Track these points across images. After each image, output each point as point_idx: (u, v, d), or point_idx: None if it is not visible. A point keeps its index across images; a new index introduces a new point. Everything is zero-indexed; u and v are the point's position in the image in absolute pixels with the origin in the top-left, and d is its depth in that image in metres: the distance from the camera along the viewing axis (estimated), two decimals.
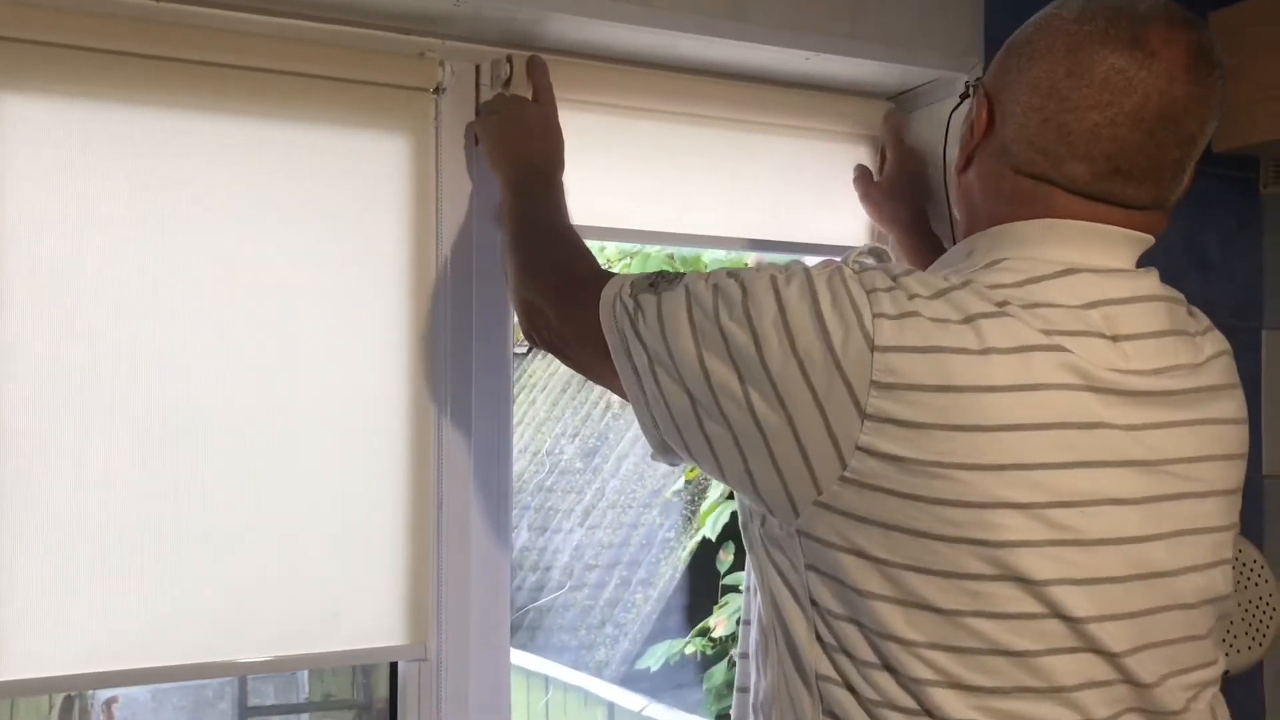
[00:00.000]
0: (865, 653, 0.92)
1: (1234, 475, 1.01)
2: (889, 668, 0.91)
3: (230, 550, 1.35)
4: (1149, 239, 0.99)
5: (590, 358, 1.11)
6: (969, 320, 0.89)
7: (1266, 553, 1.83)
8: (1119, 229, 0.96)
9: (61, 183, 1.28)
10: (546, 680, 4.41)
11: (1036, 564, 0.87)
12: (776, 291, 0.93)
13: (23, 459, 1.26)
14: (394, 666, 1.50)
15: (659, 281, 1.02)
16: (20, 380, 1.26)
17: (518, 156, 1.36)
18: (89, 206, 1.29)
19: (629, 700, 4.06)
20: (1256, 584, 1.73)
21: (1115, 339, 0.93)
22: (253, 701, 4.25)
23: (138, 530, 1.30)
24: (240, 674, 1.43)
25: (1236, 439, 1.01)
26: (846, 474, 0.88)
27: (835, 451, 0.88)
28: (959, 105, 1.08)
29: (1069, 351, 0.90)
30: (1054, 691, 0.89)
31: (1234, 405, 1.02)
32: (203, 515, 1.33)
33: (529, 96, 1.45)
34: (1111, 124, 0.92)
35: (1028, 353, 0.88)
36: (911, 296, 0.90)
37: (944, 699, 0.89)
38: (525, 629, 4.89)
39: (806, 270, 0.96)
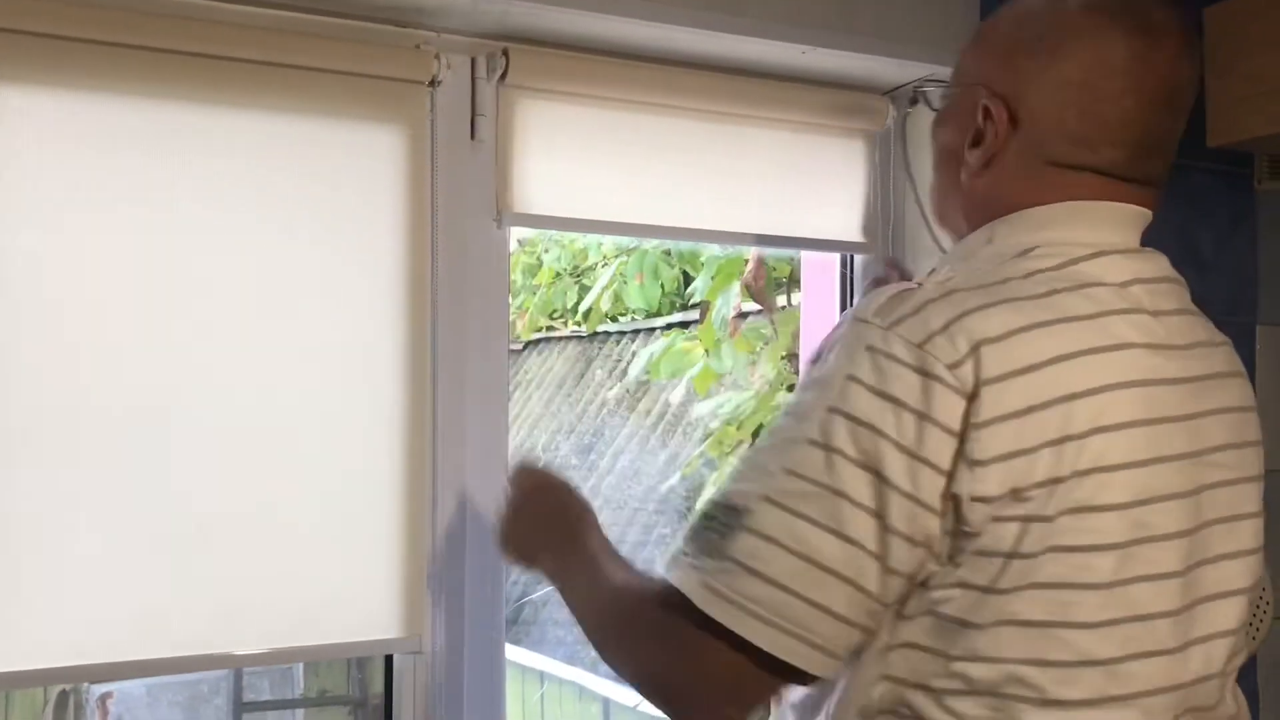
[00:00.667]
0: (944, 681, 0.87)
1: (1258, 462, 1.02)
2: (973, 691, 0.87)
3: (225, 543, 1.35)
4: (1150, 214, 1.00)
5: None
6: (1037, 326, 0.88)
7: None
8: (1135, 208, 0.97)
9: (56, 174, 1.28)
10: (542, 676, 4.41)
11: (1119, 566, 0.87)
12: (840, 451, 0.85)
13: (16, 451, 1.26)
14: (389, 659, 1.50)
15: (711, 558, 0.87)
16: (13, 372, 1.26)
17: (544, 554, 1.17)
18: (84, 197, 1.29)
19: (624, 695, 4.06)
20: None
21: (1155, 314, 0.94)
22: (248, 697, 4.25)
23: (131, 523, 1.30)
24: (235, 666, 1.43)
25: (1254, 426, 1.03)
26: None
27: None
28: (942, 111, 1.06)
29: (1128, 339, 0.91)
30: (1133, 698, 0.88)
31: (1247, 393, 1.04)
32: (198, 508, 1.33)
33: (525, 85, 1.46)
34: (1138, 107, 0.94)
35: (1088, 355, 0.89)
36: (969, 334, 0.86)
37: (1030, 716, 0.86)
38: (521, 624, 4.89)
39: (836, 409, 0.86)
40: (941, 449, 0.84)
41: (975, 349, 0.85)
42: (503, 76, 1.47)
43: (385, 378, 1.43)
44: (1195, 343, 0.97)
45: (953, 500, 0.84)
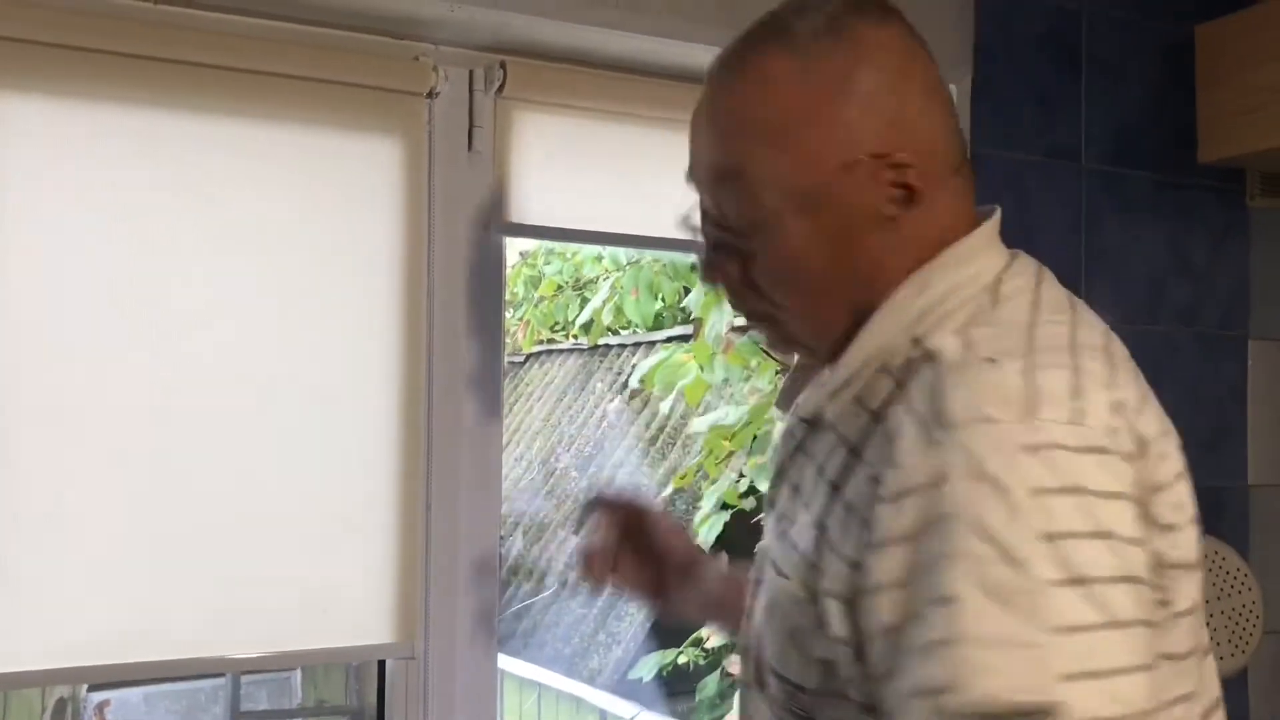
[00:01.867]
0: None
1: None
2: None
3: (220, 548, 1.36)
4: None
5: None
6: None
7: (1251, 561, 1.85)
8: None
9: (54, 181, 1.29)
10: (539, 688, 4.41)
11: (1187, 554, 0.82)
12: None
13: (11, 454, 1.27)
14: (381, 665, 1.51)
15: None
16: (9, 375, 1.27)
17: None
18: (81, 205, 1.31)
19: (621, 708, 4.07)
20: (1240, 592, 1.74)
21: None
22: (245, 706, 4.25)
23: (125, 528, 1.31)
24: (229, 670, 1.44)
25: None
26: None
27: None
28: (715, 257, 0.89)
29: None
30: (1194, 697, 0.83)
31: None
32: (190, 514, 1.34)
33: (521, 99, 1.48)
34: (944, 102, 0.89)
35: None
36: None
37: None
38: (519, 636, 4.89)
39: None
40: (1140, 523, 0.75)
41: (1118, 409, 0.77)
42: (500, 89, 1.49)
43: (381, 385, 1.44)
44: None
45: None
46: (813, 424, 0.89)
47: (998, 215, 0.90)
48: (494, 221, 1.51)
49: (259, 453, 1.38)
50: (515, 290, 5.90)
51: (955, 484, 0.71)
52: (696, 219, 0.90)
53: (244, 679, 4.16)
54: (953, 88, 1.66)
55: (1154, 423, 0.81)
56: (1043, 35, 1.77)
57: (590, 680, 4.46)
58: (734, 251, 0.87)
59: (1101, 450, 0.74)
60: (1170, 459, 0.82)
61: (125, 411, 1.32)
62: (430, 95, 1.46)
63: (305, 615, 1.40)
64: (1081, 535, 0.70)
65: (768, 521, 0.96)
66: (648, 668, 4.27)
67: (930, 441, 0.73)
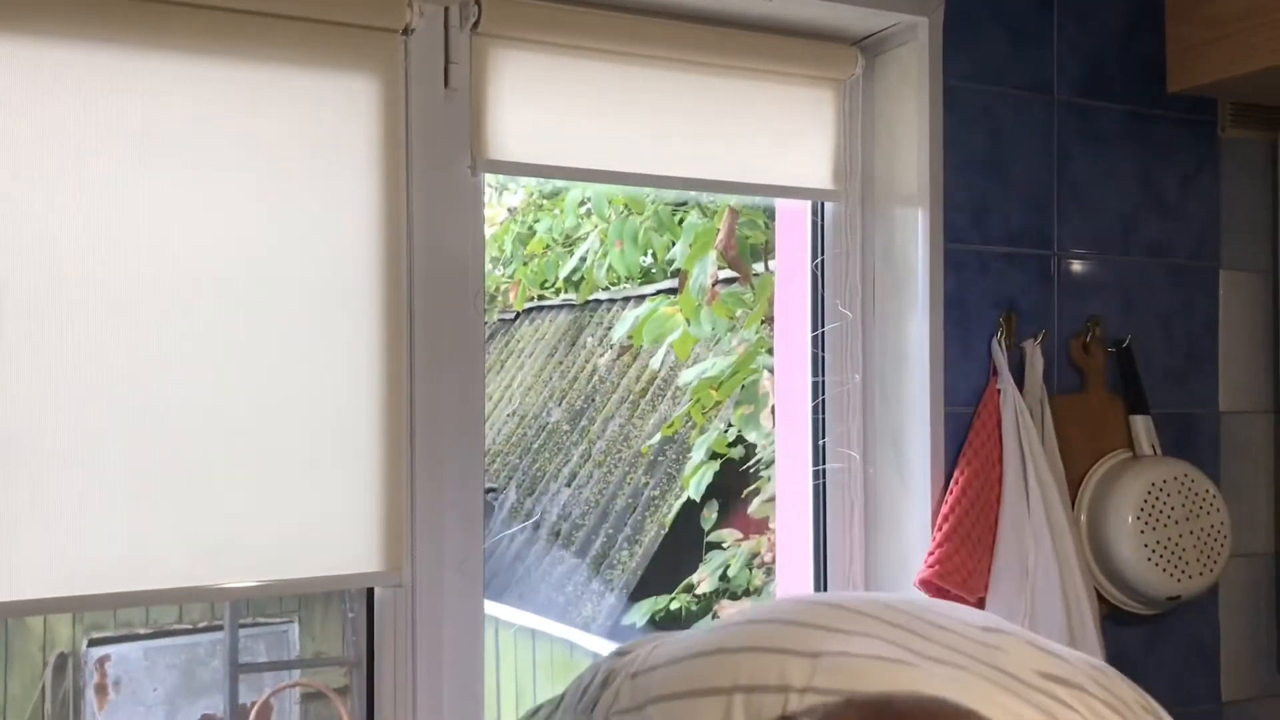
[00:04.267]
0: None
1: None
2: None
3: (209, 481, 1.39)
4: None
5: None
6: None
7: (1222, 485, 1.89)
8: None
9: (20, 120, 1.30)
10: (534, 634, 4.48)
11: None
12: None
13: (4, 387, 1.30)
14: (370, 595, 1.55)
15: None
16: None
17: None
18: (49, 144, 1.32)
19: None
20: (1209, 512, 1.78)
21: None
22: (244, 658, 4.31)
23: (116, 462, 1.34)
24: (220, 600, 1.48)
25: None
26: None
27: None
28: None
29: None
30: None
31: None
32: (181, 446, 1.37)
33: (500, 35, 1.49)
34: None
35: None
36: None
37: None
38: (514, 585, 4.96)
39: None
40: None
41: None
42: (475, 25, 1.50)
43: (362, 322, 1.47)
44: None
45: None
46: None
47: None
48: (472, 157, 1.53)
49: (245, 386, 1.41)
50: (504, 248, 5.90)
51: None
52: None
53: (242, 632, 4.21)
54: (925, 20, 1.69)
55: None
56: None
57: (585, 627, 4.52)
58: None
59: None
60: None
61: (111, 347, 1.34)
62: (406, 32, 1.48)
63: (295, 546, 1.43)
64: None
65: None
66: (640, 614, 4.33)
67: None
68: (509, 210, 5.83)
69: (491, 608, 4.62)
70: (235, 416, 1.40)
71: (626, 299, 5.78)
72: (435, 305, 1.51)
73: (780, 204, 1.96)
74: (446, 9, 1.50)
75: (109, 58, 1.34)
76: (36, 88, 1.31)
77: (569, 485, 5.35)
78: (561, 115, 1.59)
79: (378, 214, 1.48)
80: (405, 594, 1.50)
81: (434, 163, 1.51)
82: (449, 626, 1.52)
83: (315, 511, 1.44)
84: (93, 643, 4.43)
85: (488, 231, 5.96)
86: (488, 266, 5.97)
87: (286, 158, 1.43)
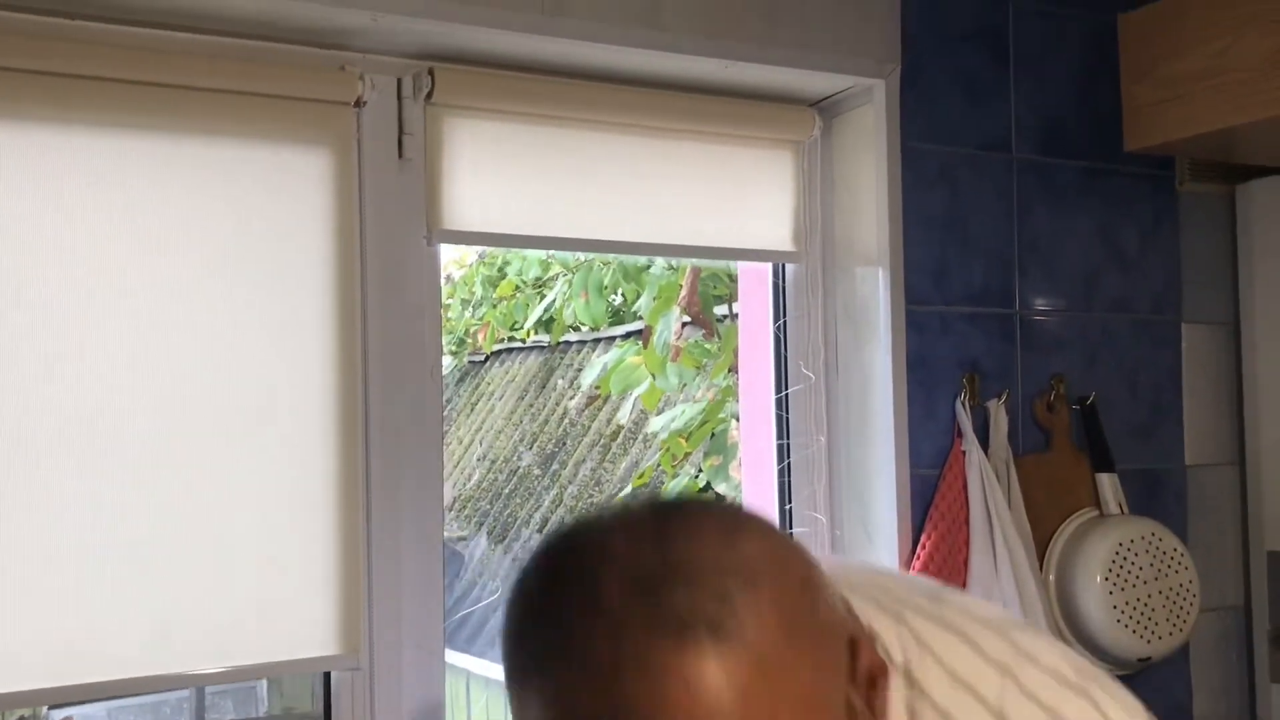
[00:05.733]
0: None
1: None
2: None
3: (160, 565, 1.35)
4: None
5: None
6: None
7: (1190, 538, 1.88)
8: None
9: None
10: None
11: None
12: None
13: None
14: (327, 676, 1.51)
15: None
16: None
17: None
18: (2, 221, 1.29)
19: None
20: (1177, 571, 1.77)
21: None
22: (211, 717, 4.22)
23: (66, 547, 1.31)
24: (173, 688, 1.44)
25: None
26: None
27: None
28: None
29: None
30: None
31: None
32: (133, 531, 1.34)
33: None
34: None
35: None
36: None
37: None
38: (485, 635, 4.89)
39: None
40: None
41: None
42: (429, 95, 1.49)
43: (317, 398, 1.44)
44: None
45: None
46: None
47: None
48: (428, 228, 1.51)
49: (194, 465, 1.37)
50: (474, 290, 5.88)
51: None
52: None
53: (209, 689, 4.12)
54: (881, 82, 1.69)
55: None
56: (969, 27, 1.79)
57: None
58: None
59: None
60: None
61: (62, 432, 1.31)
62: (358, 104, 1.46)
63: (251, 630, 1.40)
64: None
65: None
66: None
67: None
68: (479, 254, 5.82)
69: (463, 660, 4.55)
70: (188, 501, 1.37)
71: (597, 340, 5.76)
72: (392, 379, 1.48)
73: (741, 265, 1.95)
74: (399, 80, 1.49)
75: (55, 136, 1.31)
76: None
77: (540, 531, 5.31)
78: (518, 183, 1.57)
79: (331, 287, 1.45)
80: (363, 676, 1.46)
81: (389, 233, 1.49)
82: (408, 707, 1.48)
83: (271, 596, 1.41)
84: (54, 705, 4.34)
85: (457, 273, 5.95)
86: (457, 309, 5.95)
87: (238, 233, 1.41)
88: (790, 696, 0.62)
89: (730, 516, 0.68)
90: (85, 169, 1.33)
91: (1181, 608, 1.76)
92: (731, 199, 1.72)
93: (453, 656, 4.39)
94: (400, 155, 1.49)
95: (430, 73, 1.48)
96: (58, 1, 1.29)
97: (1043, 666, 0.77)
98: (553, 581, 0.65)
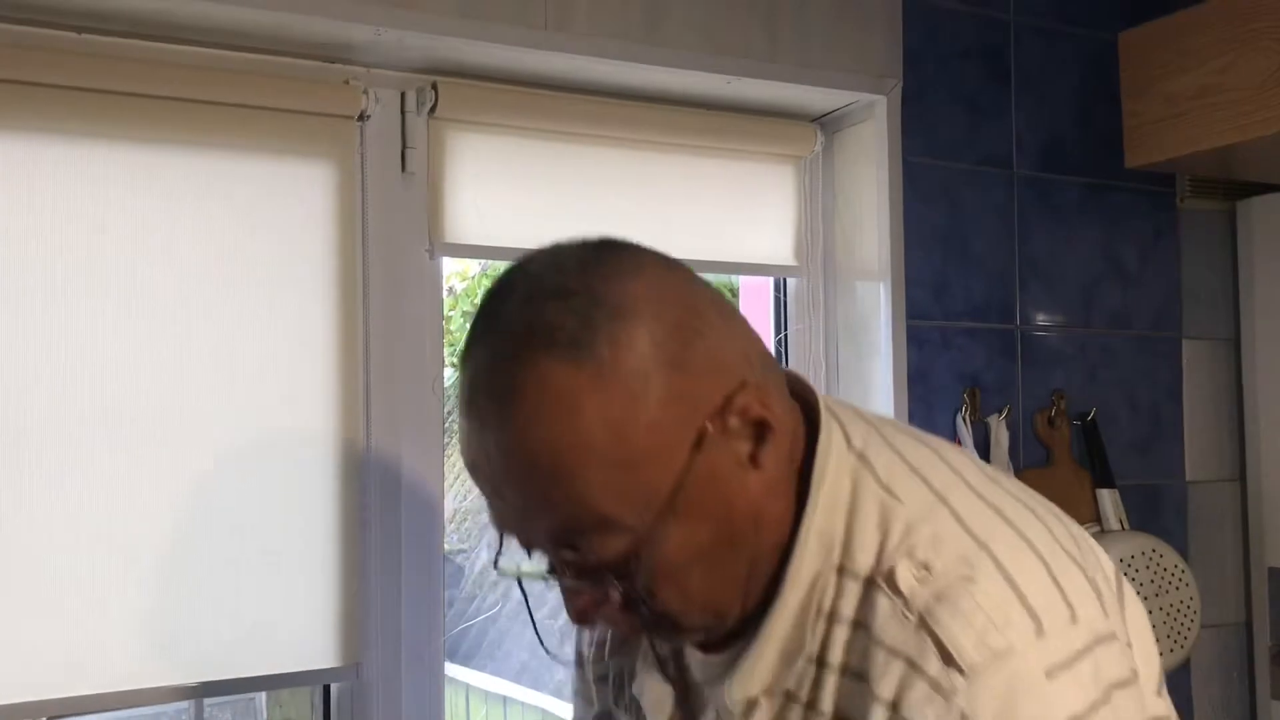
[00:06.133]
0: None
1: None
2: None
3: (160, 577, 1.35)
4: None
5: None
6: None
7: (1189, 557, 1.88)
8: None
9: None
10: (505, 700, 4.40)
11: None
12: None
13: None
14: (326, 689, 1.51)
15: None
16: None
17: None
18: (9, 238, 1.30)
19: None
20: (1178, 588, 1.77)
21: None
22: None
23: (65, 559, 1.31)
24: (172, 700, 1.43)
25: None
26: None
27: None
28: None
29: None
30: None
31: None
32: (132, 542, 1.34)
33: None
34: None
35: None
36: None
37: None
38: (484, 649, 4.88)
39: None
40: (1148, 694, 0.73)
41: (1084, 575, 0.73)
42: (432, 110, 1.49)
43: (318, 409, 1.44)
44: None
45: None
46: (755, 703, 0.76)
47: (805, 379, 0.83)
48: (430, 241, 1.52)
49: (195, 476, 1.38)
50: (477, 301, 5.89)
51: None
52: (545, 568, 0.76)
53: (206, 701, 4.12)
54: (882, 98, 1.70)
55: (1085, 540, 0.78)
56: (970, 44, 1.80)
57: (557, 692, 4.45)
58: (609, 583, 0.73)
59: (1102, 639, 0.70)
60: (1110, 574, 0.78)
61: (61, 443, 1.31)
62: (361, 118, 1.47)
63: (249, 642, 1.40)
64: None
65: None
66: None
67: (945, 693, 0.67)
68: (481, 265, 5.84)
69: (462, 673, 4.54)
70: (188, 512, 1.37)
71: None
72: (393, 391, 1.49)
73: (743, 279, 1.95)
74: (403, 94, 1.50)
75: (65, 150, 1.32)
76: None
77: None
78: (520, 197, 1.58)
79: (334, 300, 1.46)
80: (363, 689, 1.46)
81: (392, 246, 1.49)
82: (408, 718, 1.48)
83: (270, 608, 1.41)
84: (53, 717, 4.33)
85: (460, 285, 5.96)
86: (460, 321, 5.96)
87: (243, 244, 1.41)
88: (624, 415, 0.69)
89: (639, 258, 0.76)
90: (86, 182, 1.33)
91: (1182, 624, 1.76)
92: (733, 213, 1.72)
93: (453, 670, 4.38)
94: (403, 169, 1.50)
95: (434, 87, 1.49)
96: (65, 16, 1.30)
97: (1005, 486, 0.78)
98: (485, 296, 0.75)
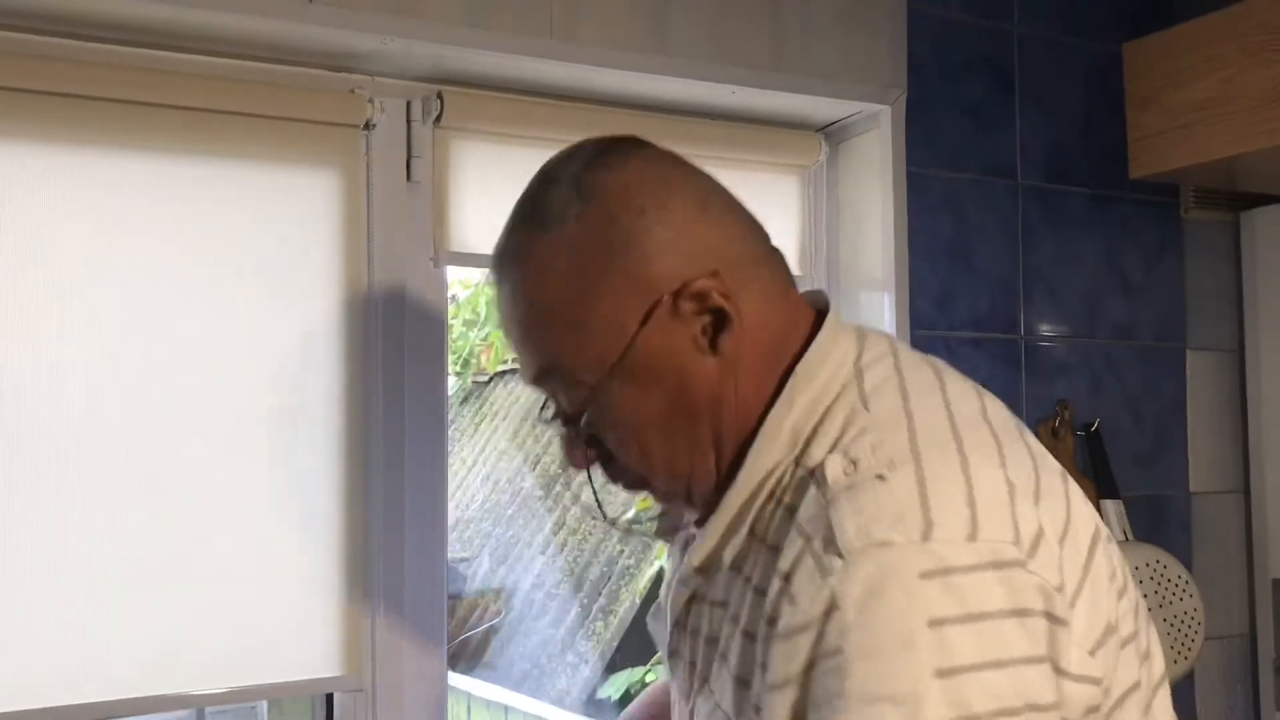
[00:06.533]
0: None
1: None
2: None
3: (163, 586, 1.35)
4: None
5: None
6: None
7: (1194, 567, 1.88)
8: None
9: None
10: (506, 710, 4.40)
11: None
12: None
13: None
14: (330, 698, 1.51)
15: None
16: None
17: None
18: (16, 245, 1.30)
19: None
20: (1182, 599, 1.77)
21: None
22: None
23: (69, 568, 1.31)
24: (175, 709, 1.43)
25: None
26: None
27: None
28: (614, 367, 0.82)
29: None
30: None
31: None
32: (135, 551, 1.34)
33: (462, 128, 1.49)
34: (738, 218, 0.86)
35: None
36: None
37: None
38: (487, 658, 4.88)
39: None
40: (1063, 643, 0.73)
41: (1012, 509, 0.74)
42: (438, 118, 1.50)
43: (323, 419, 1.44)
44: None
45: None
46: (708, 570, 0.85)
47: (829, 300, 0.90)
48: (435, 250, 1.52)
49: (199, 484, 1.38)
50: (478, 310, 5.89)
51: (847, 616, 0.69)
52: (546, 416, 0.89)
53: (209, 710, 4.11)
54: (887, 108, 1.70)
55: (1052, 497, 0.77)
56: (974, 55, 1.80)
57: (558, 701, 4.45)
58: (581, 435, 0.84)
59: (1000, 565, 0.71)
60: (1078, 538, 0.77)
61: (70, 452, 1.31)
62: (367, 127, 1.47)
63: (253, 651, 1.40)
64: (980, 667, 0.68)
65: (676, 672, 0.92)
66: (616, 686, 4.26)
67: (823, 571, 0.71)
68: (483, 273, 5.83)
69: (465, 682, 4.54)
70: (192, 521, 1.37)
71: None
72: (397, 400, 1.49)
73: None
74: (408, 103, 1.50)
75: (72, 158, 1.32)
76: (4, 189, 1.29)
77: (543, 553, 5.30)
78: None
79: (339, 308, 1.46)
80: (366, 698, 1.46)
81: (397, 254, 1.49)
82: None
83: (273, 617, 1.41)
84: None
85: (462, 293, 5.95)
86: (461, 330, 5.96)
87: (246, 254, 1.41)
88: (582, 283, 0.81)
89: (630, 153, 0.86)
90: (93, 190, 1.34)
91: (1186, 636, 1.76)
92: None
93: (454, 679, 4.38)
94: (409, 177, 1.50)
95: (439, 96, 1.49)
96: (74, 25, 1.30)
97: (994, 426, 0.81)
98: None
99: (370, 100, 1.46)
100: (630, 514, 3.01)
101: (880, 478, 0.74)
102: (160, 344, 1.36)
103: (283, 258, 1.43)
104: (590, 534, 5.18)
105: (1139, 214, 1.93)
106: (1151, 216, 1.94)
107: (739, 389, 0.82)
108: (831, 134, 1.78)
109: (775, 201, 1.75)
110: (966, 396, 0.84)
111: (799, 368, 0.82)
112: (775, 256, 0.89)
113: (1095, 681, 0.75)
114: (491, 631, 4.80)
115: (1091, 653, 0.75)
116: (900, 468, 0.74)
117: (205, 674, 1.37)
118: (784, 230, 1.76)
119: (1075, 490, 0.81)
